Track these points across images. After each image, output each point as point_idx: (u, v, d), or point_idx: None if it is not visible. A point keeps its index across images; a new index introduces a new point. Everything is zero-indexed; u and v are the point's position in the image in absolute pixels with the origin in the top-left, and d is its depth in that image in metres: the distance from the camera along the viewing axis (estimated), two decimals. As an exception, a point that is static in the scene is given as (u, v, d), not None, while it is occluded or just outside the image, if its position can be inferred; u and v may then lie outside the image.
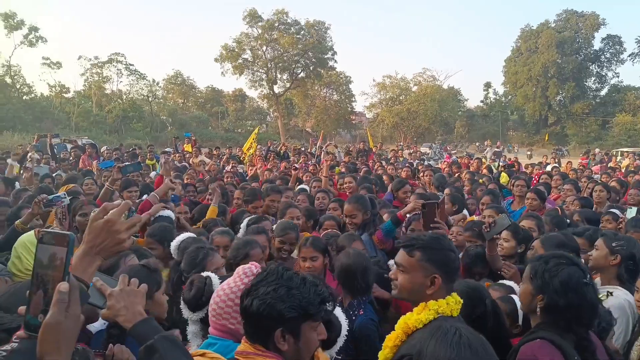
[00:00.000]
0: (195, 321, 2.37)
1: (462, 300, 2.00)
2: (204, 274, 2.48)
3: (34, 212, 4.45)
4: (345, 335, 2.14)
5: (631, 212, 4.89)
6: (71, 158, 12.85)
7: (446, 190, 6.37)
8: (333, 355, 2.10)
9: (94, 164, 11.58)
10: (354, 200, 4.46)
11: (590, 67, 52.23)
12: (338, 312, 2.15)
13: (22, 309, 1.19)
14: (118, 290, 1.51)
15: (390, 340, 1.98)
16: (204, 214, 5.24)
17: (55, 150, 12.90)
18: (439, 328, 1.81)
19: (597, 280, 3.18)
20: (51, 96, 45.39)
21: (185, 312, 2.37)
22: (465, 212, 6.01)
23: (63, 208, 4.55)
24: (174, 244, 3.45)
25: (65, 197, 4.51)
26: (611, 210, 5.21)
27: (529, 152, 26.78)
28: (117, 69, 49.89)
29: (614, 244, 3.15)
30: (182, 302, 2.36)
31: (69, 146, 16.12)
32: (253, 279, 1.69)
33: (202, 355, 1.70)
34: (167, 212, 4.33)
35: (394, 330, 1.99)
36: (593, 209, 5.99)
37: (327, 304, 1.67)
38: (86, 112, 43.35)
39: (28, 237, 3.60)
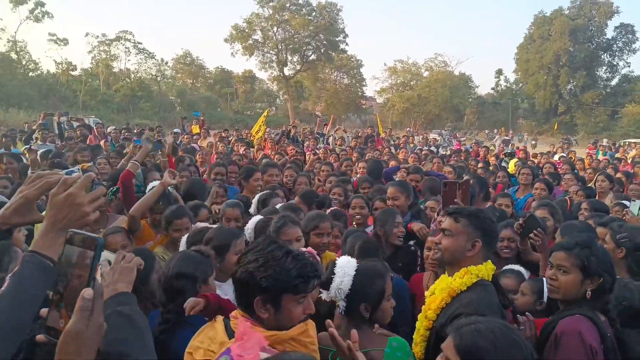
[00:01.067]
0: None
1: (495, 267, 2.27)
2: None
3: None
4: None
5: (635, 205, 4.88)
6: (77, 137, 12.88)
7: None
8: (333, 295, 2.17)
9: (102, 143, 11.65)
10: (398, 184, 4.66)
11: (602, 56, 51.45)
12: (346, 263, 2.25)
13: (44, 311, 1.15)
14: (109, 270, 1.47)
15: (435, 303, 2.19)
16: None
17: (63, 128, 12.96)
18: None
19: None
20: (57, 73, 45.37)
21: None
22: None
23: None
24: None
25: (79, 172, 4.51)
26: (621, 202, 5.25)
27: (533, 142, 26.50)
28: (125, 47, 50.06)
29: (618, 237, 3.16)
30: None
31: (75, 124, 16.10)
32: (245, 248, 1.77)
33: (235, 317, 1.76)
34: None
35: (434, 294, 2.22)
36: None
37: (309, 280, 1.69)
38: (93, 91, 43.46)
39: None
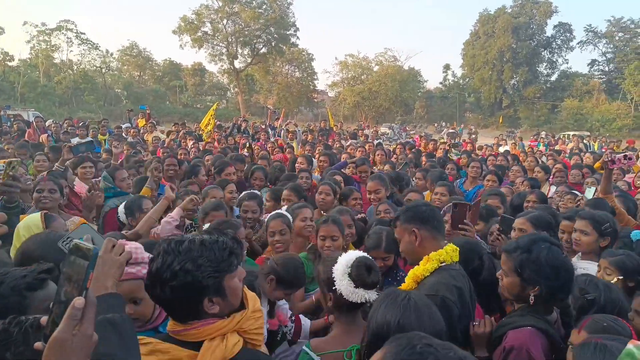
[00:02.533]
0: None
1: (458, 248, 2.32)
2: None
3: None
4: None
5: (590, 192, 5.10)
6: (14, 131, 12.21)
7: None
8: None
9: (43, 138, 11.09)
10: (377, 177, 4.81)
11: (543, 53, 54.17)
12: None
13: (44, 319, 1.11)
14: (98, 259, 1.37)
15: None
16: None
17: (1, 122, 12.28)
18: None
19: (577, 256, 3.37)
20: (-7, 64, 42.87)
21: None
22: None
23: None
24: None
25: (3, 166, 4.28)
26: (573, 191, 5.53)
27: (473, 136, 27.50)
28: (67, 38, 47.75)
29: (603, 228, 3.21)
30: None
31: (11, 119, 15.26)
32: (151, 266, 1.56)
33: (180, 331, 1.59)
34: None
35: (404, 282, 2.32)
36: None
37: (239, 250, 1.65)
38: (33, 82, 41.32)
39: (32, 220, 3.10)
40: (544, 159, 11.91)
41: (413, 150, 11.05)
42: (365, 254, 2.35)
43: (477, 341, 2.25)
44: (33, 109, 26.00)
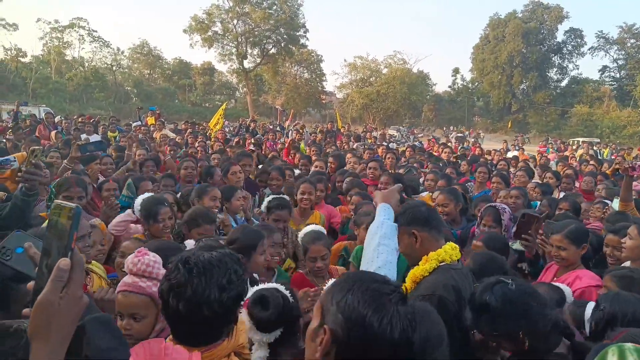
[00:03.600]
0: (264, 344, 2.01)
1: (457, 246, 2.31)
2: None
3: None
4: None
5: (617, 202, 5.06)
6: (27, 126, 12.33)
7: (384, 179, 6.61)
8: None
9: (52, 134, 11.19)
10: (446, 191, 4.71)
11: (553, 58, 53.83)
12: None
13: (30, 284, 1.06)
14: None
15: None
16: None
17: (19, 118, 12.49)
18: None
19: (627, 263, 3.22)
20: (6, 60, 43.31)
21: (253, 335, 1.98)
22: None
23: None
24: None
25: (15, 161, 4.30)
26: (603, 200, 5.46)
27: (472, 139, 27.48)
28: (79, 35, 48.24)
29: None
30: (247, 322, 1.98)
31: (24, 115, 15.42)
32: (185, 292, 1.44)
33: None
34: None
35: (404, 282, 2.25)
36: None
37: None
38: (44, 79, 41.72)
39: None
40: (552, 164, 11.85)
41: (422, 152, 11.05)
42: None
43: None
44: (44, 105, 26.23)
